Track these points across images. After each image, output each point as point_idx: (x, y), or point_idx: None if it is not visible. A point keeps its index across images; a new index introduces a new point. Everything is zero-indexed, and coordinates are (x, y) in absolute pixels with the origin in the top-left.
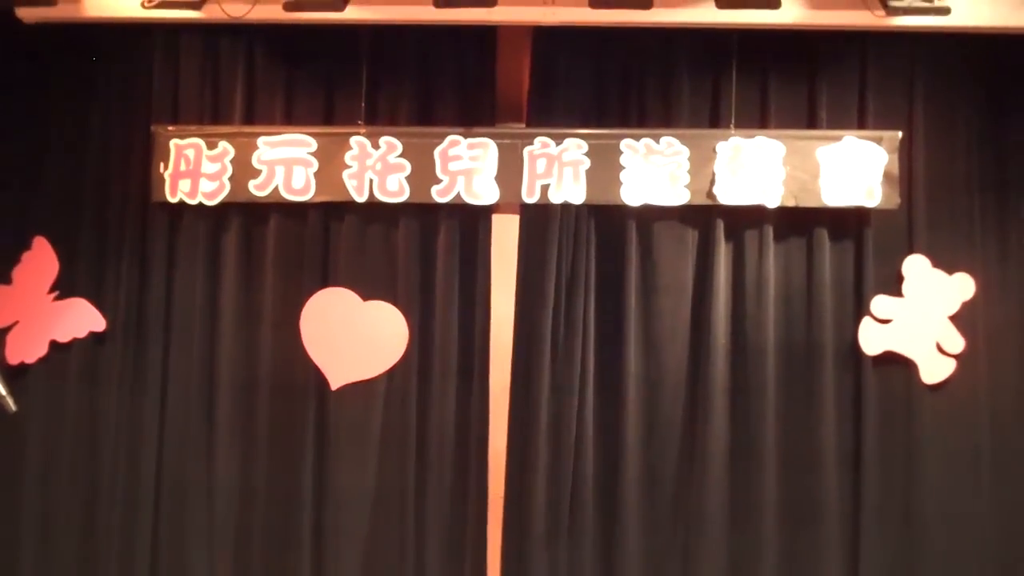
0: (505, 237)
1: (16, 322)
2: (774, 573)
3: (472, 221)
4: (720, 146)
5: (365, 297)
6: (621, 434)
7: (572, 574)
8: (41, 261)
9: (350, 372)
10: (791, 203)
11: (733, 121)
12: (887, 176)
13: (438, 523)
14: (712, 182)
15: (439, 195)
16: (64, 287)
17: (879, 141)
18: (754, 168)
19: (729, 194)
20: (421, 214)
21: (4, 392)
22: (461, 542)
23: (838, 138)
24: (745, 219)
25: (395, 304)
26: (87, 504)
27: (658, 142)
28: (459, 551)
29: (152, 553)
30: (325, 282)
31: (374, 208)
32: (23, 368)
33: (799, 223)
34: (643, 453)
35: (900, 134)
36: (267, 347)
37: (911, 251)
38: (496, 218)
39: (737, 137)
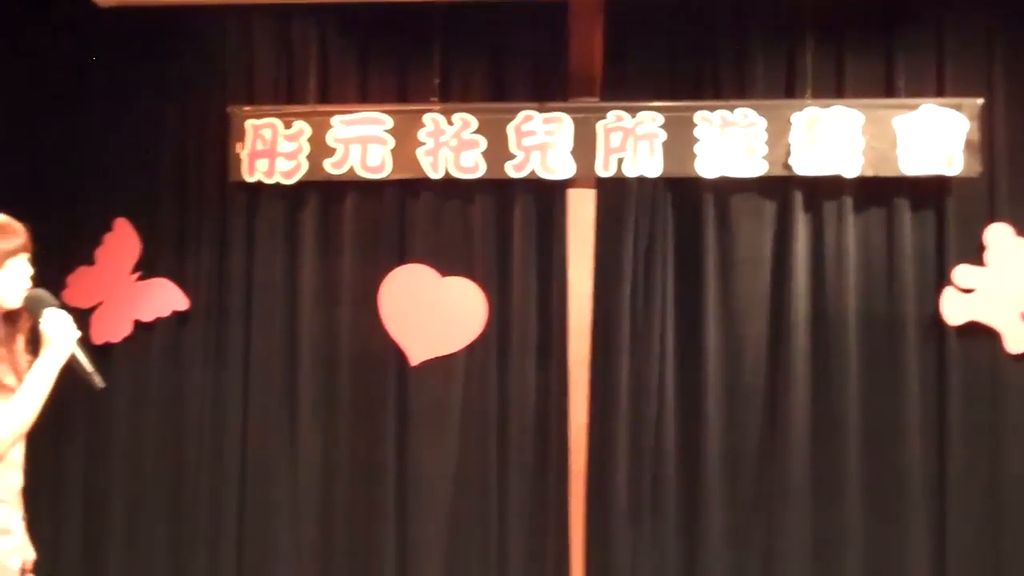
0: (581, 211)
1: (100, 302)
2: (859, 547)
3: (547, 196)
4: (796, 116)
5: (443, 273)
6: (702, 408)
7: (655, 550)
8: (123, 242)
9: (430, 348)
10: (870, 173)
11: (809, 91)
12: (968, 144)
13: (520, 499)
14: (788, 153)
15: (514, 170)
16: (146, 267)
17: (959, 108)
18: (831, 138)
19: (806, 165)
20: (496, 190)
21: (91, 369)
22: (543, 518)
23: (916, 106)
24: (823, 190)
25: (472, 280)
26: (173, 481)
27: (733, 113)
28: (542, 527)
29: (238, 528)
30: (403, 259)
31: (449, 184)
32: (108, 347)
33: (878, 193)
34: (724, 427)
35: (981, 101)
36: (347, 324)
37: (993, 220)
38: (571, 192)
39: (813, 107)
